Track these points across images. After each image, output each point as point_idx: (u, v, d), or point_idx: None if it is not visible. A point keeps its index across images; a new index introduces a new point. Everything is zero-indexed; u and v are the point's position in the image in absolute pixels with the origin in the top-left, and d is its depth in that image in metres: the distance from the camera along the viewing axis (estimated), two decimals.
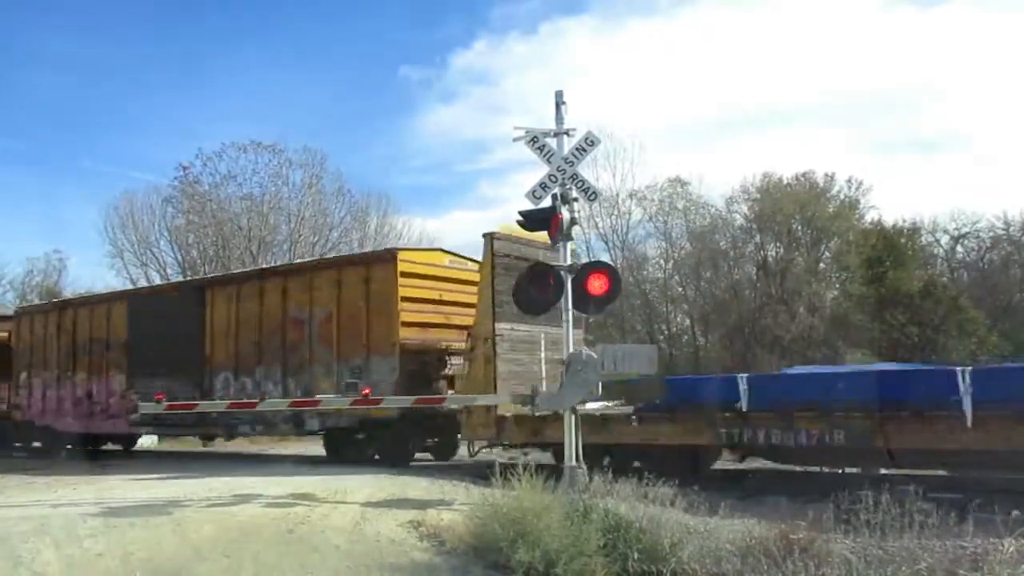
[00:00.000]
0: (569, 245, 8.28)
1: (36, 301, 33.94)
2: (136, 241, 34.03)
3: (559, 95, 8.42)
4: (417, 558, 6.12)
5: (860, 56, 47.28)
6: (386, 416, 11.40)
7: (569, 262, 8.16)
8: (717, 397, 9.24)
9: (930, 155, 47.63)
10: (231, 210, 31.55)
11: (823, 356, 23.58)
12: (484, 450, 11.34)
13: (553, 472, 7.31)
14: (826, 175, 28.97)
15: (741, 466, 10.20)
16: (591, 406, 9.61)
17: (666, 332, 31.06)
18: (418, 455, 12.76)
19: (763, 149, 47.56)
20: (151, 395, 13.67)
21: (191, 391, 13.72)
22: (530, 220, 8.42)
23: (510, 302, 10.56)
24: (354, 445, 12.43)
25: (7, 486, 11.35)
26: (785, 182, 28.76)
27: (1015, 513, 5.17)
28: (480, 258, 11.28)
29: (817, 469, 9.08)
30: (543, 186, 8.21)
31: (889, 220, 27.22)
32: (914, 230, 27.40)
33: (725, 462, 10.52)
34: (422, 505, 7.99)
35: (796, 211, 27.77)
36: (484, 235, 10.75)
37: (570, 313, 8.16)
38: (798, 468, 9.32)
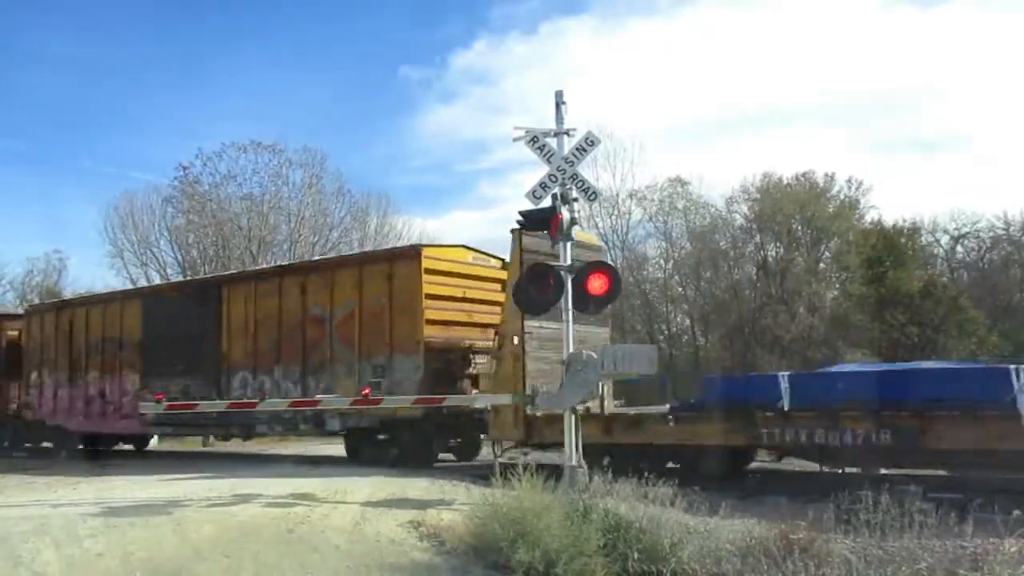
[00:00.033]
0: (570, 245, 8.26)
1: (36, 301, 34.04)
2: (136, 241, 34.06)
3: (559, 95, 8.42)
4: (417, 558, 6.12)
5: (860, 56, 47.30)
6: (409, 416, 11.27)
7: (569, 262, 8.16)
8: (757, 396, 9.09)
9: (930, 155, 47.66)
10: (231, 210, 31.54)
11: (823, 356, 23.56)
12: (510, 451, 11.12)
13: (553, 472, 7.30)
14: (826, 175, 29.01)
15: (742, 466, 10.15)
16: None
17: (666, 332, 31.07)
18: (440, 456, 12.61)
19: (763, 149, 47.59)
20: (167, 394, 13.71)
21: (208, 390, 13.64)
22: (530, 220, 8.42)
23: None
24: (375, 446, 12.29)
25: (7, 486, 11.36)
26: (785, 182, 28.78)
27: (1015, 513, 5.17)
28: (502, 255, 11.18)
29: (857, 471, 8.74)
30: (543, 186, 8.21)
31: (889, 220, 27.25)
32: (914, 230, 27.41)
33: (759, 462, 10.40)
34: (422, 505, 7.98)
35: (796, 211, 27.78)
36: (512, 231, 10.56)
37: (570, 313, 8.15)
38: (842, 470, 8.93)
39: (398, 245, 12.49)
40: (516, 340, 10.35)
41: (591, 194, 8.61)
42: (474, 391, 11.65)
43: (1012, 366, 7.75)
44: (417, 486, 9.27)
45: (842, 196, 29.01)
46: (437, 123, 57.65)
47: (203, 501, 8.44)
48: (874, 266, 24.78)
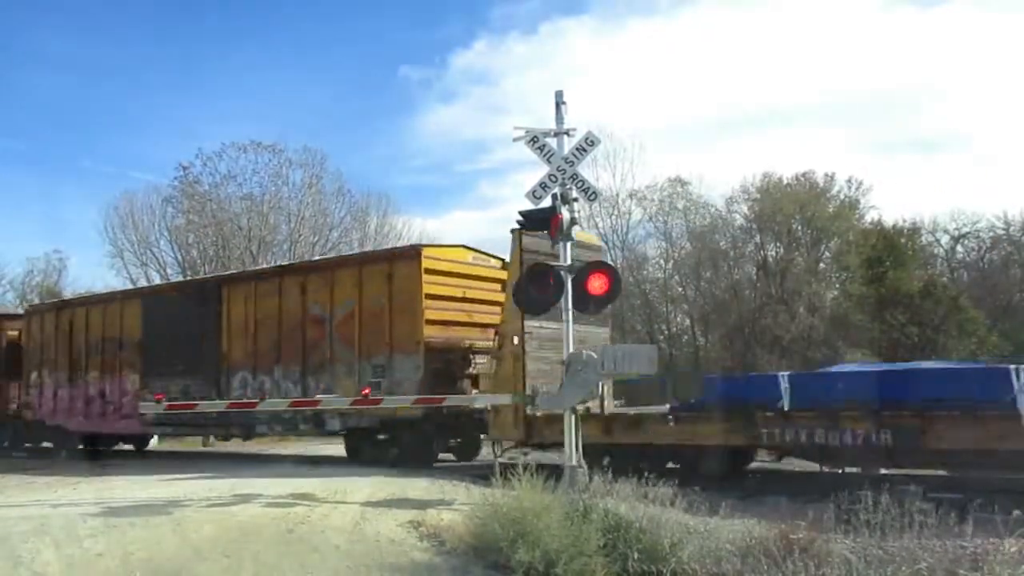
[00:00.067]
0: (570, 245, 8.25)
1: (35, 301, 34.04)
2: (136, 241, 34.08)
3: (559, 95, 8.42)
4: (417, 558, 6.12)
5: (860, 56, 47.31)
6: (409, 416, 11.25)
7: (569, 262, 8.16)
8: (757, 396, 9.08)
9: (930, 155, 47.67)
10: (231, 210, 31.56)
11: (823, 356, 23.56)
12: (510, 451, 11.07)
13: (553, 472, 7.30)
14: (826, 175, 29.01)
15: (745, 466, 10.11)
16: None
17: (666, 332, 31.08)
18: (440, 456, 12.58)
19: (763, 149, 47.59)
20: (167, 395, 13.65)
21: (208, 390, 13.61)
22: (530, 220, 8.42)
23: None
24: (376, 446, 12.27)
25: (7, 486, 11.36)
26: (785, 182, 28.78)
27: (1016, 513, 5.17)
28: (503, 255, 11.13)
29: (857, 471, 8.70)
30: (543, 186, 8.21)
31: (889, 220, 27.26)
32: (914, 230, 27.42)
33: (759, 462, 10.38)
34: (422, 505, 7.98)
35: (796, 211, 27.78)
36: (512, 231, 10.55)
37: (570, 313, 8.15)
38: (842, 470, 8.90)
39: (398, 245, 12.32)
40: (516, 340, 10.33)
41: (591, 194, 8.61)
42: (474, 391, 11.63)
43: (1012, 366, 7.76)
44: (417, 486, 9.27)
45: (842, 196, 29.04)
46: (437, 123, 57.71)
47: (203, 501, 8.44)
48: (874, 266, 24.79)
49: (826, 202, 28.54)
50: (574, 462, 7.83)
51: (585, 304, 8.14)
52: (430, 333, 11.63)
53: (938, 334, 22.82)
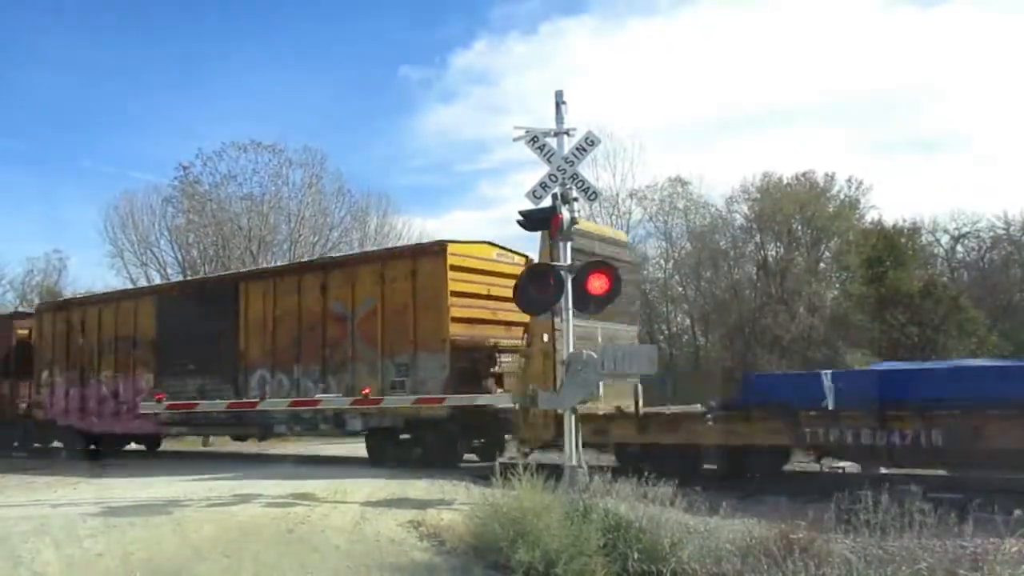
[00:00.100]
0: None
1: (36, 301, 34.05)
2: (136, 241, 34.10)
3: (559, 95, 8.41)
4: (417, 558, 6.12)
5: (860, 56, 47.37)
6: (434, 416, 11.02)
7: (570, 262, 8.16)
8: (799, 395, 8.84)
9: (930, 155, 47.73)
10: (231, 210, 31.57)
11: (823, 356, 23.58)
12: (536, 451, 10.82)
13: (553, 472, 7.30)
14: (826, 175, 29.05)
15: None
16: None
17: (666, 332, 31.09)
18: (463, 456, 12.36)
19: (763, 149, 47.68)
20: (182, 394, 13.51)
21: (225, 389, 13.40)
22: (530, 220, 8.41)
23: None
24: (399, 446, 11.98)
25: (7, 486, 11.35)
26: (785, 182, 28.82)
27: (1016, 513, 5.16)
28: (525, 251, 11.01)
29: (906, 472, 8.48)
30: (543, 186, 8.21)
31: (889, 220, 27.33)
32: (914, 230, 27.46)
33: (795, 463, 10.16)
34: (422, 505, 7.98)
35: (796, 211, 27.80)
36: None
37: (570, 313, 8.15)
38: (890, 471, 8.68)
39: (422, 241, 12.07)
40: (546, 337, 10.11)
41: (591, 194, 8.61)
42: (499, 390, 11.42)
43: None
44: (417, 486, 9.27)
45: (842, 196, 29.07)
46: (437, 123, 57.76)
47: (203, 501, 8.44)
48: (874, 266, 24.82)
49: (826, 202, 28.56)
50: (574, 462, 7.82)
51: (585, 304, 8.13)
52: (455, 331, 11.38)
53: (938, 334, 22.84)
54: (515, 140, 8.35)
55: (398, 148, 58.75)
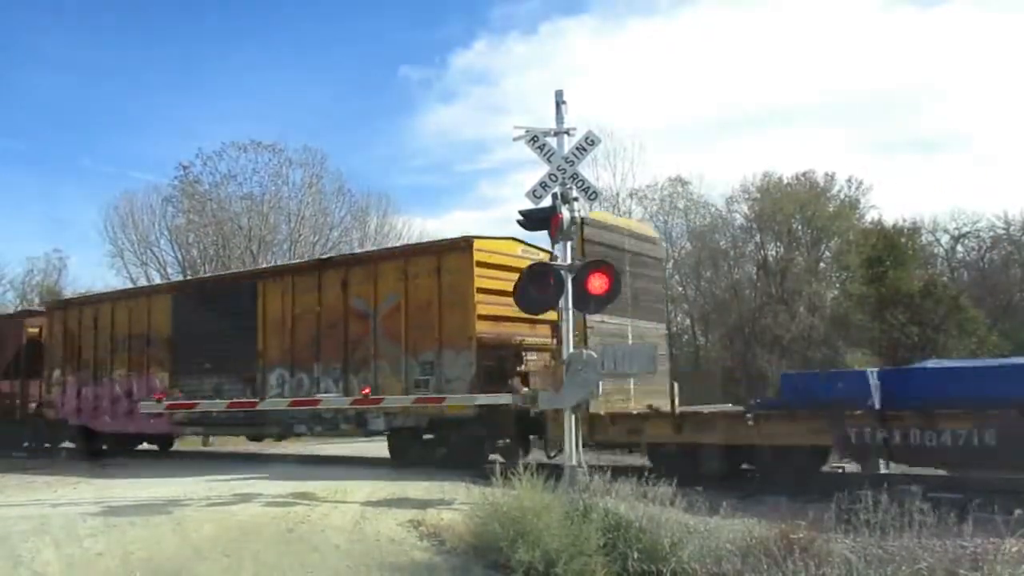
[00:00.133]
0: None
1: (36, 301, 34.07)
2: (136, 241, 34.09)
3: (559, 95, 8.42)
4: (417, 557, 6.12)
5: (860, 56, 47.38)
6: (459, 415, 10.81)
7: (570, 261, 8.16)
8: (842, 394, 8.56)
9: (930, 155, 47.73)
10: (231, 210, 31.57)
11: (823, 356, 23.58)
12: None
13: (553, 472, 7.30)
14: (826, 175, 29.05)
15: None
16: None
17: (666, 332, 31.04)
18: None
19: (763, 149, 47.68)
20: (198, 393, 13.45)
21: (242, 389, 13.24)
22: (530, 220, 8.41)
23: None
24: (423, 446, 11.74)
25: (7, 486, 11.34)
26: (785, 182, 28.82)
27: (1016, 513, 5.16)
28: (547, 248, 10.85)
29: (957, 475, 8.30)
30: (543, 185, 8.21)
31: (889, 220, 27.31)
32: (914, 230, 27.45)
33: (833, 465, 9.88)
34: (422, 504, 7.98)
35: (796, 211, 27.81)
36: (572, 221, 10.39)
37: (570, 313, 8.15)
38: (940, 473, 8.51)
39: (447, 237, 11.79)
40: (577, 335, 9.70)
41: (591, 194, 8.60)
42: (525, 389, 11.03)
43: None
44: (417, 486, 9.26)
45: (842, 196, 29.08)
46: (437, 123, 57.78)
47: (203, 501, 8.44)
48: (874, 266, 24.81)
49: (826, 202, 28.56)
50: (574, 462, 7.83)
51: (585, 303, 8.14)
52: (482, 329, 11.13)
53: (938, 334, 22.83)
54: (515, 140, 8.36)
55: (398, 148, 58.84)
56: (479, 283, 11.18)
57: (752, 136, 45.64)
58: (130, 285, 30.13)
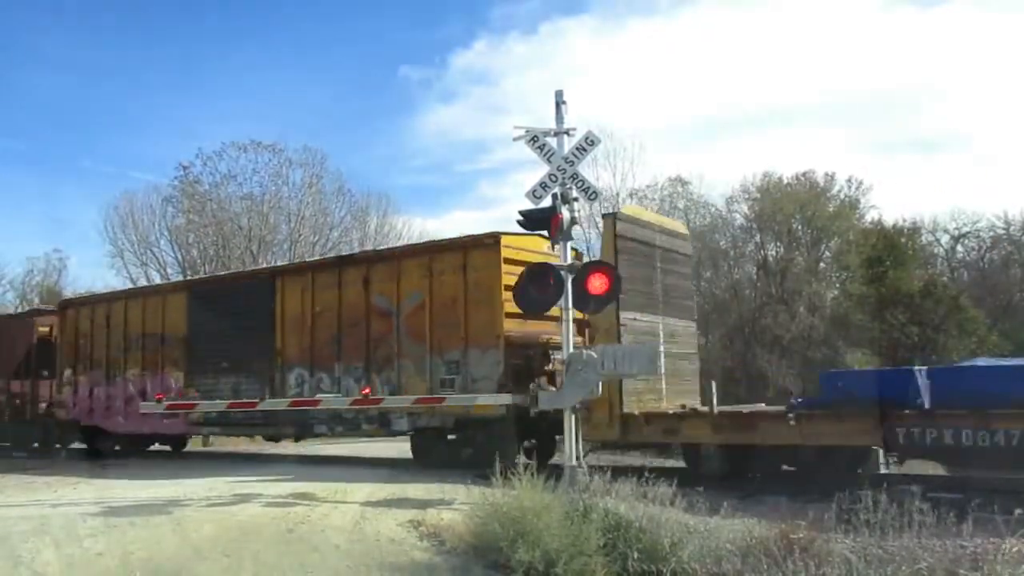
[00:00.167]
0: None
1: (37, 300, 34.10)
2: (136, 241, 34.09)
3: (559, 95, 8.42)
4: (417, 557, 6.12)
5: (860, 56, 47.35)
6: (486, 415, 10.58)
7: (569, 261, 8.16)
8: (888, 393, 8.38)
9: (930, 155, 47.71)
10: (231, 210, 31.57)
11: (823, 356, 23.57)
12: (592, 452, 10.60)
13: (553, 472, 7.31)
14: (826, 175, 29.00)
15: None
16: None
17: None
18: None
19: (763, 149, 47.62)
20: (215, 392, 13.37)
21: (260, 388, 13.02)
22: (530, 220, 8.41)
23: (634, 290, 10.06)
24: (448, 447, 11.53)
25: (7, 486, 11.35)
26: (785, 182, 28.78)
27: (1016, 513, 5.16)
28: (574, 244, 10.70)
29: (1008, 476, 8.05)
30: (543, 186, 8.21)
31: (889, 220, 27.25)
32: (914, 230, 27.42)
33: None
34: (422, 505, 7.98)
35: (796, 211, 27.77)
36: (605, 216, 10.12)
37: (570, 313, 8.15)
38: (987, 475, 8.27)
39: (473, 233, 11.58)
40: (610, 333, 9.69)
41: (591, 194, 8.61)
42: (552, 389, 10.85)
43: None
44: (417, 486, 9.27)
45: (842, 196, 29.03)
46: (437, 123, 57.78)
47: (203, 501, 8.44)
48: (874, 266, 24.78)
49: (826, 202, 28.53)
50: (574, 462, 7.83)
51: (585, 303, 8.14)
52: (509, 327, 10.87)
53: (938, 334, 22.81)
54: (515, 140, 8.37)
55: (398, 148, 58.84)
56: (507, 280, 10.77)
57: (752, 136, 45.65)
58: (130, 285, 30.16)
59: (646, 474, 6.50)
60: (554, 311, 11.41)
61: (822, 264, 28.70)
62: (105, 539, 6.61)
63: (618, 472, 7.11)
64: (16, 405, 17.98)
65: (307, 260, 19.58)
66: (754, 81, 48.44)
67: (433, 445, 11.72)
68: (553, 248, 8.53)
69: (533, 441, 11.79)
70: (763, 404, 10.06)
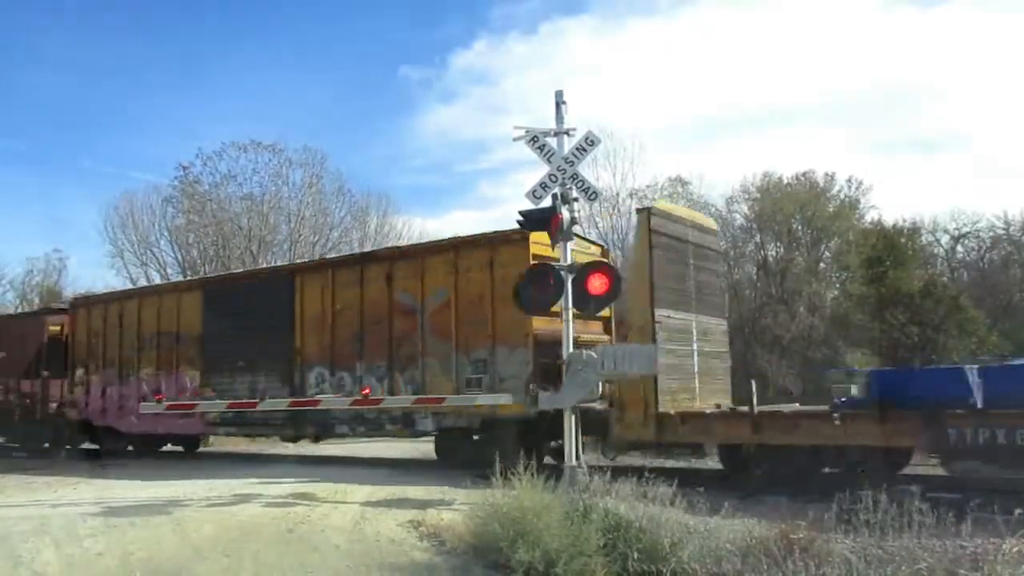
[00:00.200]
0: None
1: (37, 300, 34.10)
2: (136, 241, 34.06)
3: (559, 95, 8.43)
4: (417, 558, 6.12)
5: (860, 56, 47.36)
6: (512, 415, 10.41)
7: (569, 261, 8.16)
8: (939, 393, 8.23)
9: (930, 155, 47.68)
10: (231, 210, 31.56)
11: (823, 356, 23.57)
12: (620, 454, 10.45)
13: (553, 472, 7.31)
14: (826, 175, 29.01)
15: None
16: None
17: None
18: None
19: (763, 149, 47.63)
20: (231, 392, 13.25)
21: (279, 388, 12.92)
22: (530, 220, 8.42)
23: (668, 287, 9.92)
24: (473, 447, 11.20)
25: (7, 486, 11.35)
26: (785, 182, 28.78)
27: (1016, 513, 5.16)
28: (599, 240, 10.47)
29: None
30: (543, 186, 8.22)
31: (889, 220, 27.19)
32: (914, 230, 27.38)
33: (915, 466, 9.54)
34: (422, 505, 7.99)
35: (796, 211, 27.78)
36: (638, 211, 9.91)
37: (570, 313, 8.15)
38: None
39: (500, 229, 11.29)
40: (644, 331, 9.47)
41: (591, 194, 8.61)
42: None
43: None
44: (417, 487, 9.27)
45: (842, 196, 29.03)
46: (437, 123, 57.79)
47: (203, 501, 8.45)
48: (874, 266, 24.76)
49: (826, 202, 28.54)
50: (574, 462, 7.83)
51: (585, 303, 8.14)
52: (538, 325, 10.62)
53: (938, 334, 22.79)
54: (515, 140, 8.37)
55: (398, 148, 58.84)
56: None
57: (752, 136, 45.66)
58: (130, 285, 30.13)
59: (646, 474, 6.51)
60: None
61: (822, 264, 28.70)
62: (105, 539, 6.62)
63: (618, 472, 7.12)
64: (26, 405, 17.80)
65: (327, 257, 19.33)
66: (754, 81, 48.51)
67: (458, 445, 11.49)
68: (553, 248, 8.50)
69: (560, 442, 11.49)
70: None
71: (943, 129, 47.33)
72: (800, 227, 28.10)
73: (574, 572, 5.31)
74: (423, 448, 14.75)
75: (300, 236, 31.73)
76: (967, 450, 8.10)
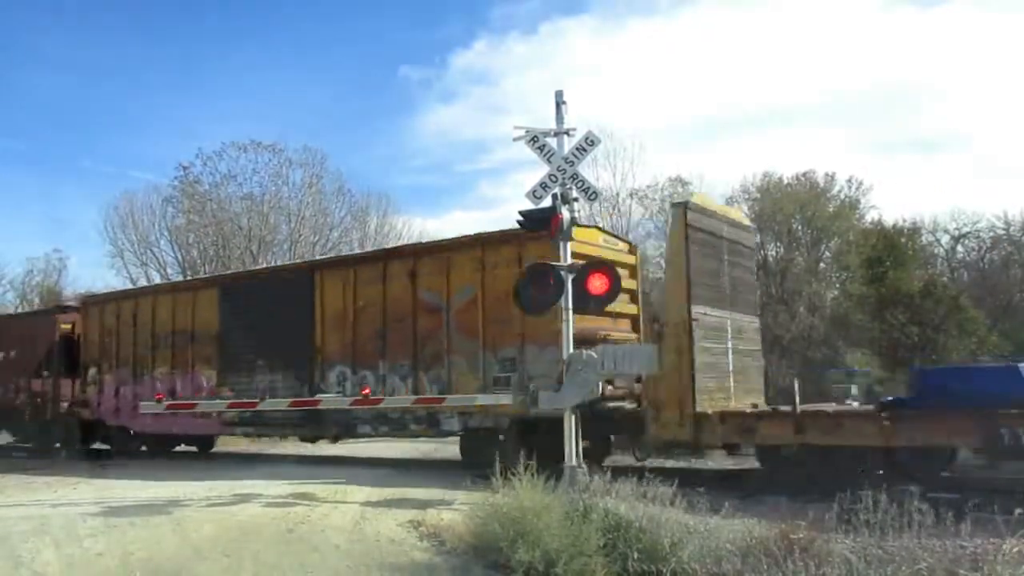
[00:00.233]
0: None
1: (37, 300, 34.11)
2: (136, 241, 34.08)
3: (559, 95, 8.43)
4: (417, 558, 6.12)
5: (860, 56, 47.36)
6: (545, 415, 10.08)
7: (569, 261, 8.17)
8: (991, 391, 7.97)
9: (930, 155, 47.67)
10: (231, 210, 31.57)
11: (823, 356, 23.57)
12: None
13: (554, 472, 7.31)
14: (826, 175, 29.01)
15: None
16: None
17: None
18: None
19: (763, 149, 47.61)
20: (248, 391, 13.04)
21: (298, 387, 12.75)
22: (530, 220, 8.42)
23: (704, 283, 9.76)
24: (500, 447, 10.70)
25: (7, 486, 11.35)
26: (785, 182, 28.80)
27: (1016, 512, 5.16)
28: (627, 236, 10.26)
29: None
30: (543, 186, 8.22)
31: (889, 220, 27.20)
32: (914, 230, 27.39)
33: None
34: (422, 505, 7.99)
35: (796, 211, 27.79)
36: (674, 205, 9.77)
37: (570, 313, 8.15)
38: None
39: None
40: (680, 329, 9.29)
41: (591, 194, 8.62)
42: (608, 388, 10.22)
43: None
44: (417, 487, 9.27)
45: (842, 196, 29.04)
46: (437, 123, 57.79)
47: (203, 501, 8.45)
48: (874, 266, 24.77)
49: (826, 202, 28.54)
50: (574, 462, 7.83)
51: (585, 303, 8.14)
52: None
53: (938, 334, 22.79)
54: (515, 140, 8.37)
55: (398, 148, 58.85)
56: None
57: (752, 136, 45.63)
58: (130, 286, 30.13)
59: (646, 474, 6.51)
60: (614, 306, 10.54)
61: (822, 264, 28.70)
62: (105, 539, 6.62)
63: (618, 472, 7.12)
64: (37, 404, 17.63)
65: (348, 254, 19.08)
66: (754, 81, 48.49)
67: (484, 446, 11.03)
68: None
69: (587, 443, 10.99)
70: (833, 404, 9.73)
71: (943, 129, 47.38)
72: (800, 227, 28.11)
73: (574, 572, 5.31)
74: (423, 448, 14.78)
75: (300, 236, 31.74)
76: (1020, 450, 7.85)
